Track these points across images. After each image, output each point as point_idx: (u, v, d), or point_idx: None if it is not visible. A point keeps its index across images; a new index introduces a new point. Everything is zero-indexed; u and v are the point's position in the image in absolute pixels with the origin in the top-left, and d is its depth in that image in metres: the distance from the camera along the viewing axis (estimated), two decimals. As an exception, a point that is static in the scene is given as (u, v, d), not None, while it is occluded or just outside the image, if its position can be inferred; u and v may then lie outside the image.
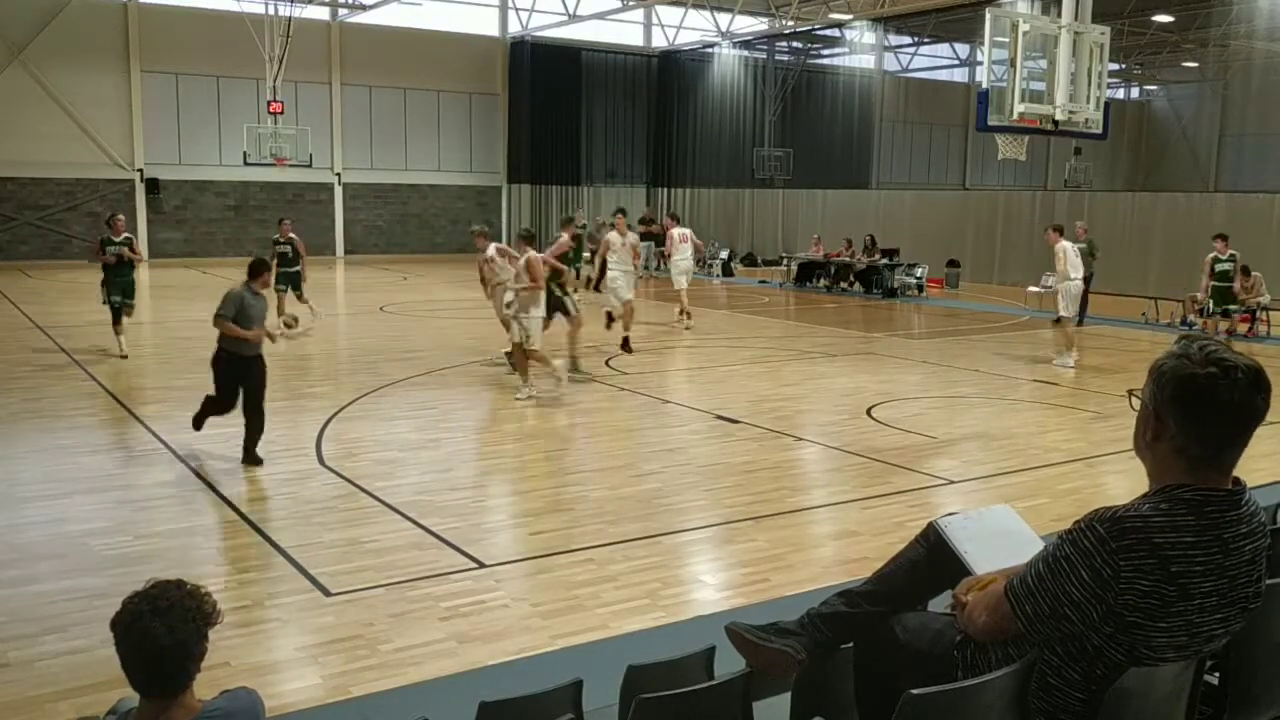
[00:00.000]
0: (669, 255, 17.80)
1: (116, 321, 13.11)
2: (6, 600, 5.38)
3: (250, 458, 8.08)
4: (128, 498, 7.27)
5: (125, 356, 12.76)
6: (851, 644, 2.85)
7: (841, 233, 25.02)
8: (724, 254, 28.28)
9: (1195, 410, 2.08)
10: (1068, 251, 13.44)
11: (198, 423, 8.47)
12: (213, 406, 8.36)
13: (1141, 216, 22.63)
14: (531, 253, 10.69)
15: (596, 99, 34.53)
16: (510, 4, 33.27)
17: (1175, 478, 2.13)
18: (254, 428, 8.15)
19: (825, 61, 35.55)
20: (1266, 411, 2.10)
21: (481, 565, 6.01)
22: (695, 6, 32.45)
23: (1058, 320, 13.70)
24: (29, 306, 18.04)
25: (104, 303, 13.30)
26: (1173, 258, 20.99)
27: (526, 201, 34.22)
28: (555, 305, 11.73)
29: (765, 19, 33.05)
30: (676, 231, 17.51)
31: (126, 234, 13.72)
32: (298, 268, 15.65)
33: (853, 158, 33.99)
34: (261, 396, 8.25)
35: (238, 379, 8.14)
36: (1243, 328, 17.01)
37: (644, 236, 28.51)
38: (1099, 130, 10.54)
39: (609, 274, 14.41)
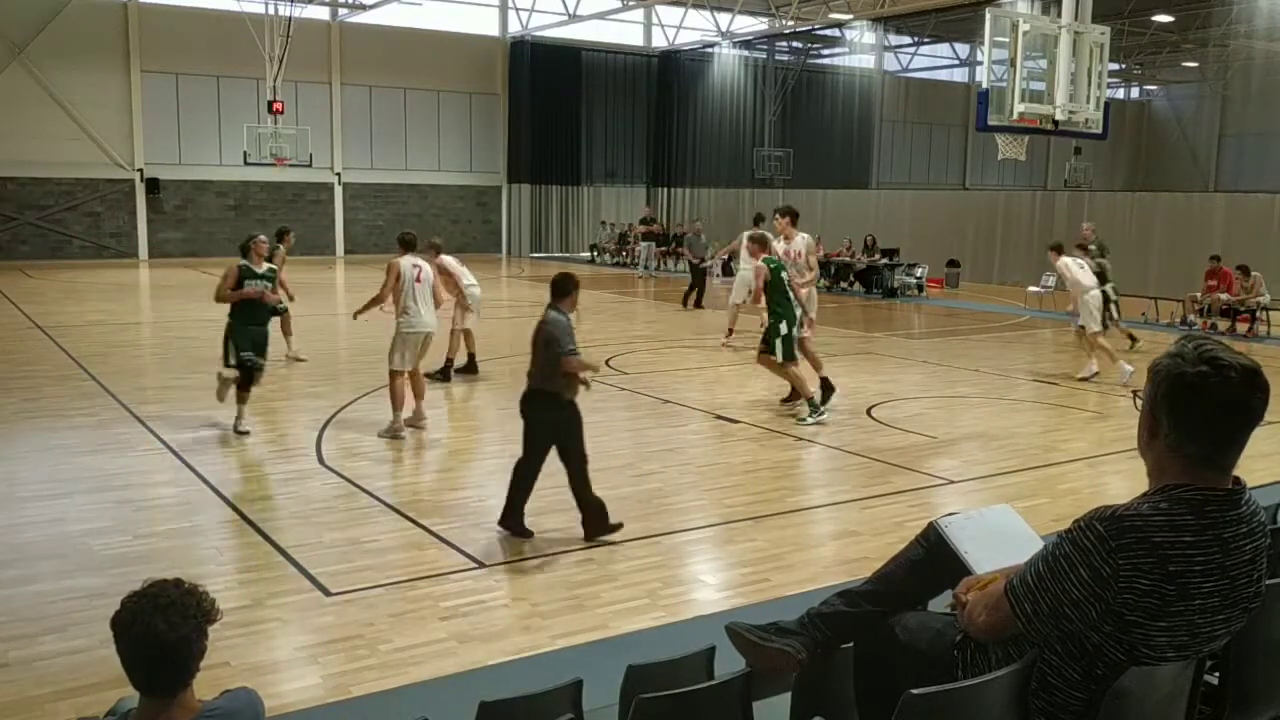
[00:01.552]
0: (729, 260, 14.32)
1: (245, 386, 9.08)
2: (6, 600, 5.38)
3: (519, 526, 6.53)
4: (128, 498, 7.27)
5: (247, 433, 9.05)
6: (851, 644, 2.85)
7: (842, 233, 25.01)
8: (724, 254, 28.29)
9: (1186, 408, 2.08)
10: (1070, 267, 12.78)
11: (516, 519, 6.51)
12: (528, 478, 6.48)
13: (1141, 216, 22.64)
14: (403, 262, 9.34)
15: (596, 99, 34.53)
16: (510, 4, 33.27)
17: (1173, 477, 2.13)
18: (585, 494, 6.46)
19: (825, 61, 35.55)
20: (1263, 411, 2.09)
21: (481, 565, 6.02)
22: (695, 6, 32.45)
23: (1082, 329, 12.83)
24: (29, 306, 18.03)
25: (230, 362, 9.13)
26: (1172, 258, 20.99)
27: (526, 201, 34.22)
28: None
29: (765, 19, 33.05)
30: (747, 235, 13.81)
31: (269, 264, 9.61)
32: None
33: (853, 158, 34.01)
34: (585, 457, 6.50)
35: (562, 430, 6.43)
36: (1242, 328, 17.02)
37: (645, 236, 28.70)
38: (1099, 130, 10.54)
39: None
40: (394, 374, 9.15)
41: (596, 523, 6.44)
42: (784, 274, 10.10)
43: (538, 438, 6.45)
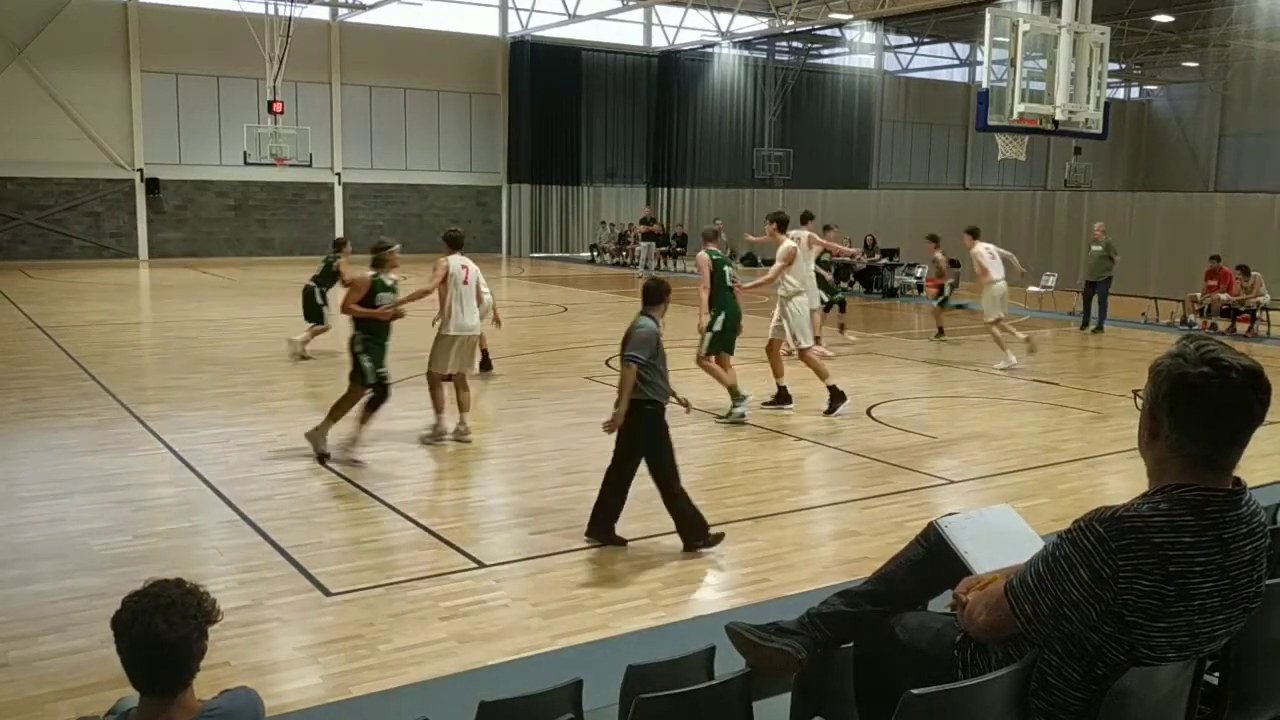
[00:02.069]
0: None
1: (378, 405, 8.39)
2: (6, 600, 5.38)
3: (610, 535, 6.34)
4: (128, 498, 7.27)
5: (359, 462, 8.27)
6: (851, 644, 2.85)
7: (841, 233, 25.01)
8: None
9: (1187, 409, 2.08)
10: (982, 255, 13.25)
11: (608, 530, 6.32)
12: (620, 486, 6.35)
13: (1141, 216, 22.64)
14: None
15: (596, 99, 34.53)
16: (510, 4, 33.28)
17: (1173, 477, 2.13)
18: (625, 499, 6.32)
19: (825, 61, 35.56)
20: (1264, 413, 2.09)
21: (481, 565, 6.01)
22: (695, 6, 32.45)
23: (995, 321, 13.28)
24: (29, 306, 18.03)
25: (368, 382, 8.29)
26: (1172, 258, 21.00)
27: (526, 201, 34.22)
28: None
29: (765, 19, 33.06)
30: (805, 235, 11.83)
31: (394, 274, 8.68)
32: None
33: (853, 158, 34.01)
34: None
35: (660, 439, 6.34)
36: (1243, 327, 17.03)
37: (645, 236, 28.70)
38: (1099, 130, 10.54)
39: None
40: (432, 377, 9.01)
41: (605, 530, 6.36)
42: (726, 268, 10.08)
43: (628, 444, 6.32)
